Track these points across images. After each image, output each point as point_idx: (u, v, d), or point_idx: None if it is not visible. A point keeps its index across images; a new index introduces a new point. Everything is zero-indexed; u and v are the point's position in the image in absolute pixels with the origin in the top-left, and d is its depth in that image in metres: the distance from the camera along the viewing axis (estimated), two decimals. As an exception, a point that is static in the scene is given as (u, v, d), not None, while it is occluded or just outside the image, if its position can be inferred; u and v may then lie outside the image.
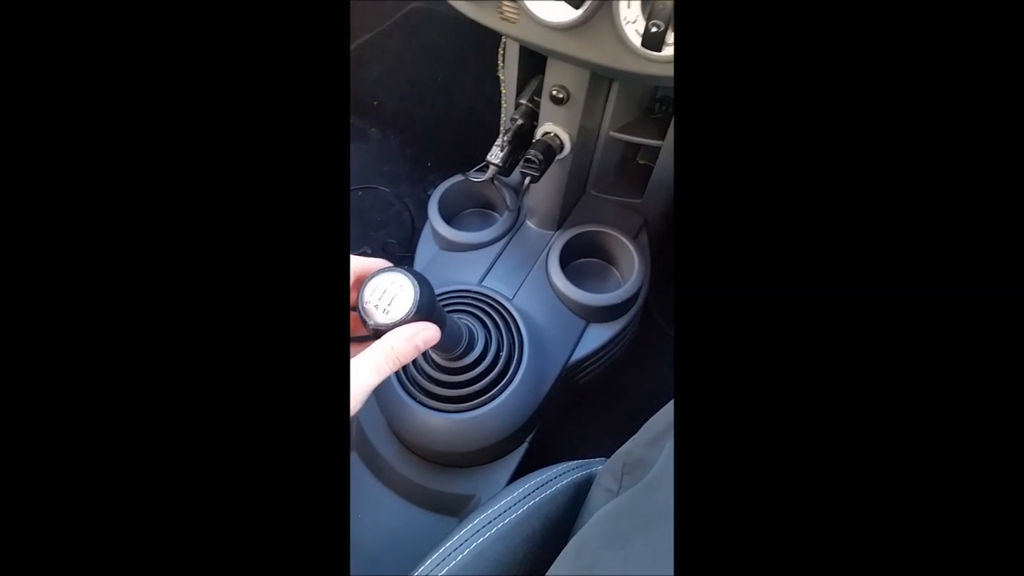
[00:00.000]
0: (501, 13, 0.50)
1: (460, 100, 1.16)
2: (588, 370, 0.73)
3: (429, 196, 1.10)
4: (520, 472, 0.67)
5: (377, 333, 0.35)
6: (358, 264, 0.36)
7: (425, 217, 1.08)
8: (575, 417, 0.80)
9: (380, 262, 0.37)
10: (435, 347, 0.58)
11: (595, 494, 0.47)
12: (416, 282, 0.35)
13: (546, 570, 0.40)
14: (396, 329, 0.35)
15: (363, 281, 0.36)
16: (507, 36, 0.53)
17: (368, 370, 0.33)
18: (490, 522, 0.43)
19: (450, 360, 0.59)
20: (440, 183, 0.83)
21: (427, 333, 0.36)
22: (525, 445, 0.68)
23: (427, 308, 0.36)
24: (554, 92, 0.58)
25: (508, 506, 0.44)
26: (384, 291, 0.35)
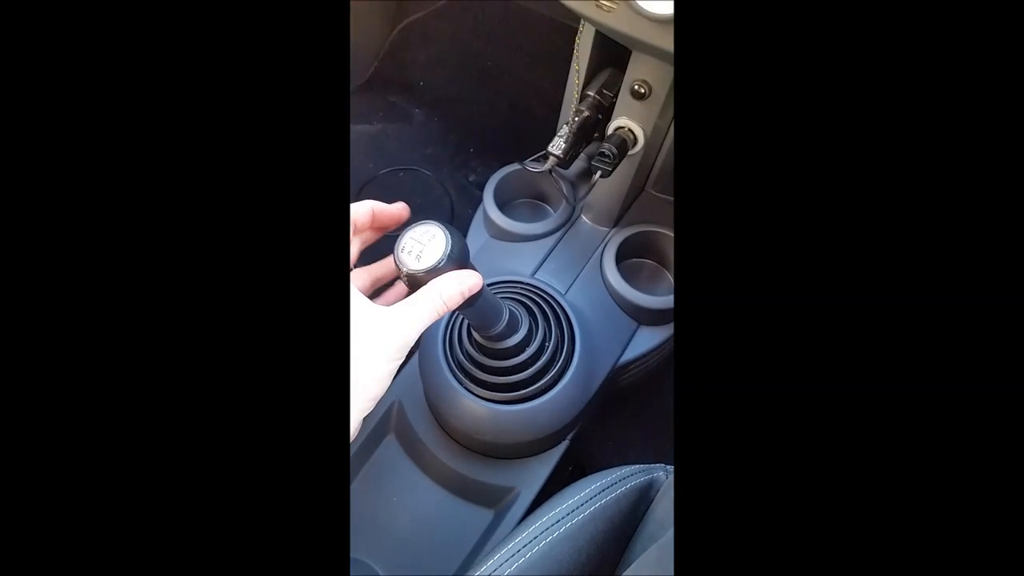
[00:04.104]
0: (597, 2, 0.48)
1: (508, 88, 1.14)
2: (632, 372, 0.72)
3: (472, 182, 1.09)
4: (560, 468, 0.67)
5: (410, 279, 0.37)
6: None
7: (466, 204, 1.07)
8: (613, 416, 0.79)
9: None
10: (474, 324, 0.57)
11: (664, 502, 0.46)
12: (447, 232, 0.37)
13: (604, 573, 0.39)
14: (446, 275, 0.36)
15: (400, 233, 0.38)
16: (599, 25, 0.51)
17: (419, 311, 0.35)
18: (557, 521, 0.42)
19: (491, 340, 0.58)
20: (487, 170, 0.81)
21: (472, 280, 0.38)
22: (566, 442, 0.67)
23: (458, 257, 0.37)
24: (636, 87, 0.57)
25: (575, 506, 0.43)
26: (417, 241, 0.37)
